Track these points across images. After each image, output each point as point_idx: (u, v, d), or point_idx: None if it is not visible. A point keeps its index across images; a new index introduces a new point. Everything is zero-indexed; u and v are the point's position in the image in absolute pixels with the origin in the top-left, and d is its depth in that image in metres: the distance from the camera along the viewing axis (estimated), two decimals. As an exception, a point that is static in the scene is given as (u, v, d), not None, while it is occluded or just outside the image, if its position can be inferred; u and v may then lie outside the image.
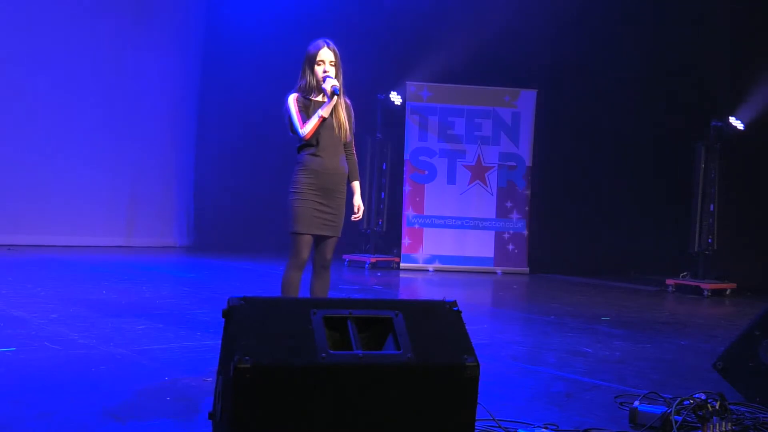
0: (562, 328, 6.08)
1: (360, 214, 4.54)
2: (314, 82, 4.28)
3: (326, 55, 4.28)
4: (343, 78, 4.34)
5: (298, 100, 4.29)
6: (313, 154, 4.28)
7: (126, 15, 11.93)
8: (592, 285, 9.80)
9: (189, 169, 12.97)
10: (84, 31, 11.56)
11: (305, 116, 4.25)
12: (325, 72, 4.25)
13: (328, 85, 4.21)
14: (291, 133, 4.37)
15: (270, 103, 8.88)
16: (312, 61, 4.28)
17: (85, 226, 11.59)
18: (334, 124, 4.31)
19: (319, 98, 4.32)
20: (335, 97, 4.22)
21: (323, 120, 4.25)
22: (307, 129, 4.23)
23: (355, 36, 10.31)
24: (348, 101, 4.42)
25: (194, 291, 7.52)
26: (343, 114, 4.34)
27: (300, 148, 4.34)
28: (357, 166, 4.52)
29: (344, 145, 4.40)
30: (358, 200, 4.52)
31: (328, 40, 4.33)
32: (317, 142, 4.27)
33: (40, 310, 5.61)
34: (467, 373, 2.54)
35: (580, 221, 11.39)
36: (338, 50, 4.34)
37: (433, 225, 10.86)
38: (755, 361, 3.69)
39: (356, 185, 4.51)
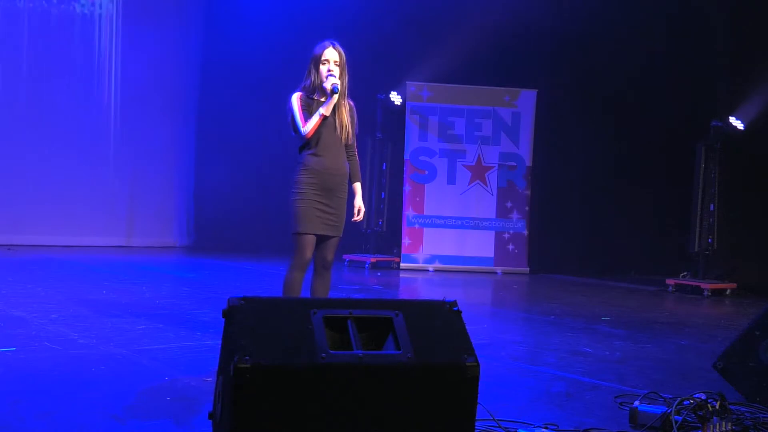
0: (562, 328, 6.08)
1: (361, 216, 4.55)
2: (318, 82, 4.30)
3: (331, 54, 4.30)
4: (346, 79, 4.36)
5: (301, 99, 4.31)
6: (315, 154, 4.29)
7: (125, 14, 11.93)
8: (592, 285, 9.79)
9: (189, 168, 12.96)
10: (83, 31, 11.57)
11: (307, 115, 4.26)
12: (329, 71, 4.26)
13: (328, 84, 4.23)
14: (293, 133, 4.38)
15: (271, 103, 8.92)
16: (317, 60, 4.30)
17: (85, 226, 11.59)
18: (336, 124, 4.32)
19: (323, 99, 4.33)
20: (335, 95, 4.23)
21: (324, 119, 4.26)
22: (308, 127, 4.24)
23: (355, 36, 10.29)
24: (351, 103, 4.43)
25: (194, 291, 7.52)
26: (345, 115, 4.35)
27: (301, 148, 4.35)
28: (359, 168, 4.53)
29: (346, 146, 4.41)
30: (359, 202, 4.53)
31: (334, 42, 4.35)
32: (318, 142, 4.28)
33: (40, 310, 5.61)
34: (467, 373, 2.54)
35: (580, 221, 11.38)
36: (344, 53, 4.36)
37: (433, 225, 10.85)
38: (755, 361, 3.69)
39: (358, 186, 4.52)
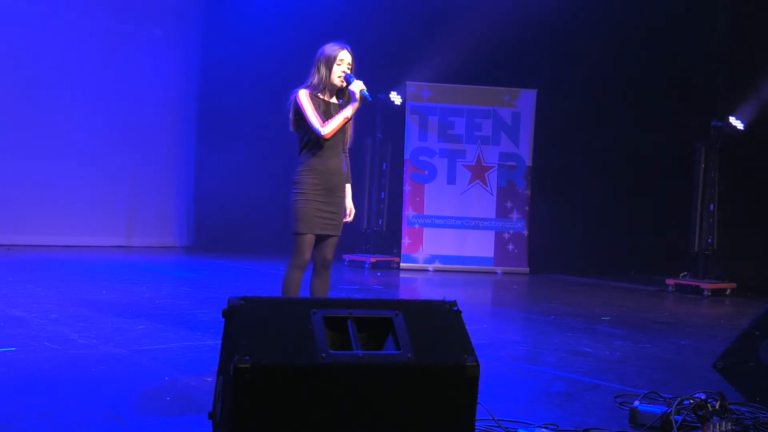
0: (562, 328, 6.08)
1: (351, 217, 4.53)
2: (329, 81, 4.27)
3: (346, 57, 4.28)
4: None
5: (312, 97, 4.24)
6: (317, 155, 4.27)
7: (124, 16, 11.93)
8: (592, 285, 9.80)
9: (189, 168, 12.97)
10: (83, 32, 11.56)
11: (321, 115, 4.23)
12: (344, 71, 4.24)
13: (356, 88, 4.19)
14: (291, 129, 4.35)
15: (271, 102, 8.90)
16: (331, 60, 4.25)
17: (85, 227, 11.59)
18: (343, 127, 4.30)
19: (333, 99, 4.31)
20: (363, 100, 4.21)
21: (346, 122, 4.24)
22: (329, 128, 4.19)
23: (355, 36, 10.29)
24: None
25: (194, 291, 7.52)
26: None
27: (303, 149, 4.32)
28: (350, 169, 4.52)
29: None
30: (349, 202, 4.51)
31: (347, 45, 4.33)
32: (323, 144, 4.25)
33: (40, 310, 5.61)
34: (467, 373, 2.54)
35: (580, 221, 11.39)
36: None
37: (433, 225, 10.85)
38: (755, 361, 3.69)
39: (348, 187, 4.50)
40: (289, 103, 4.30)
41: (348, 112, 4.22)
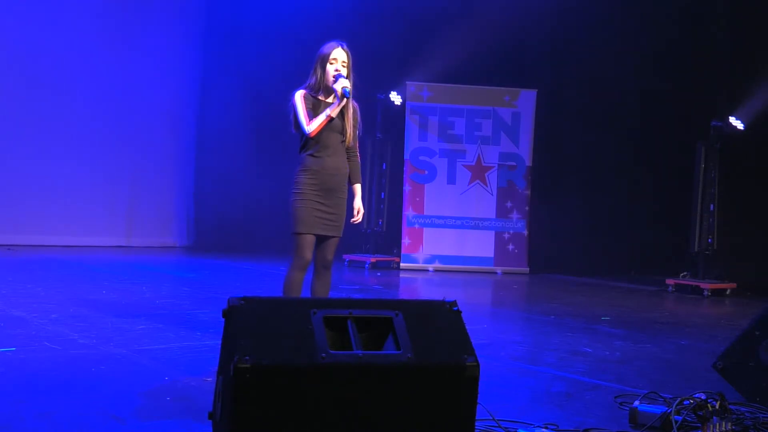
0: (562, 328, 6.08)
1: (360, 217, 4.53)
2: (324, 81, 4.27)
3: (339, 54, 4.28)
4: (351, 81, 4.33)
5: (305, 97, 4.27)
6: (315, 155, 4.28)
7: (124, 14, 11.93)
8: (592, 285, 9.79)
9: (189, 168, 12.96)
10: (83, 32, 11.56)
11: (312, 114, 4.24)
12: (337, 71, 4.25)
13: (339, 86, 4.20)
14: (293, 130, 4.36)
15: (271, 102, 8.91)
16: (324, 59, 4.27)
17: (85, 226, 11.59)
18: (340, 126, 4.30)
19: (330, 99, 4.32)
20: (345, 99, 4.22)
21: (330, 120, 4.24)
22: (313, 126, 4.22)
23: (355, 36, 10.29)
24: (356, 105, 4.40)
25: (194, 291, 7.52)
26: (350, 116, 4.33)
27: (302, 149, 4.33)
28: (359, 169, 4.51)
29: (348, 147, 4.39)
30: (358, 203, 4.51)
31: (342, 42, 4.33)
32: (319, 143, 4.26)
33: (40, 310, 5.61)
34: (467, 373, 2.54)
35: (580, 221, 11.38)
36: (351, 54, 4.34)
37: (433, 225, 10.85)
38: (755, 361, 3.69)
39: (357, 188, 4.50)
40: (289, 105, 4.32)
41: (331, 111, 4.24)
